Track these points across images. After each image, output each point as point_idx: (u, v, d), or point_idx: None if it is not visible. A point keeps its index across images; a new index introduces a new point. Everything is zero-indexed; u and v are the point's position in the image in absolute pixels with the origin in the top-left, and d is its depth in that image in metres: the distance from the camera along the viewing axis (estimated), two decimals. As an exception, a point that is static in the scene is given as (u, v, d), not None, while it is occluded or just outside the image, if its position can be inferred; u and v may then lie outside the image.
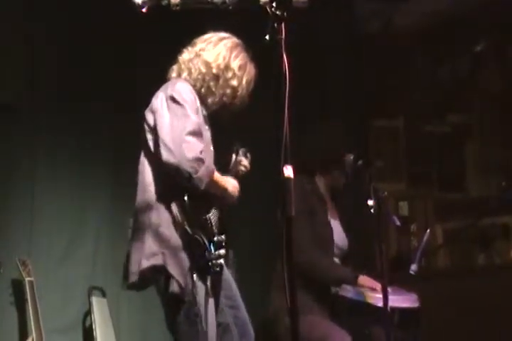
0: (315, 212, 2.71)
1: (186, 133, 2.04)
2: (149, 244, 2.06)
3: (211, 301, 2.07)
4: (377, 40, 4.41)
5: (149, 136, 2.13)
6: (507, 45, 4.32)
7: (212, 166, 2.11)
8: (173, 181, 2.05)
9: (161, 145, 2.05)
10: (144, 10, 2.16)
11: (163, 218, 2.07)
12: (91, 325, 3.21)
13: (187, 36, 2.32)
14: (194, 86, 2.19)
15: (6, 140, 3.14)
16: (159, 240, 2.05)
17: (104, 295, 3.33)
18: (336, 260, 2.77)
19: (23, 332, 2.98)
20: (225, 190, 2.15)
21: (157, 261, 2.04)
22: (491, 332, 2.90)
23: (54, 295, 3.15)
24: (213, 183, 2.10)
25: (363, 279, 2.58)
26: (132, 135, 2.25)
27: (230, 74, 2.21)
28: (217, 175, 2.13)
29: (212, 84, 2.20)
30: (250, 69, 2.26)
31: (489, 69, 4.44)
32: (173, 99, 2.09)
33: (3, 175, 3.14)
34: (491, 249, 3.97)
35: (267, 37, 1.85)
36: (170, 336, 3.30)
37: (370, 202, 2.44)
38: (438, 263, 4.08)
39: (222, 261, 2.08)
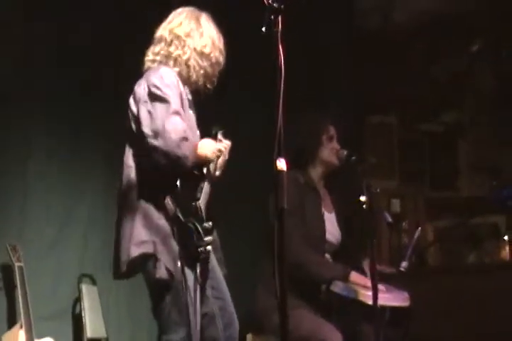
0: (308, 207, 2.70)
1: (168, 113, 2.04)
2: (139, 231, 2.05)
3: (198, 289, 2.08)
4: (373, 36, 4.41)
5: (133, 125, 2.13)
6: (501, 44, 4.34)
7: (196, 142, 2.11)
8: (161, 168, 2.04)
9: (145, 130, 2.05)
10: None
11: (152, 206, 2.07)
12: (80, 313, 3.21)
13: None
14: (197, 81, 2.21)
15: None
16: (149, 227, 2.05)
17: (94, 282, 3.33)
18: (327, 256, 2.76)
19: (12, 317, 2.97)
20: (205, 157, 2.13)
21: (147, 249, 2.05)
22: (480, 330, 2.92)
23: (44, 282, 3.14)
24: (197, 157, 2.10)
25: (355, 276, 2.58)
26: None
27: (217, 53, 2.23)
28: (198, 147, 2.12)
29: (210, 70, 2.22)
30: (220, 38, 2.27)
31: (483, 68, 4.45)
32: (155, 85, 2.10)
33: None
34: (480, 248, 4.00)
35: (264, 29, 1.86)
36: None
37: (363, 198, 2.45)
38: (429, 261, 4.10)
39: (210, 247, 2.09)
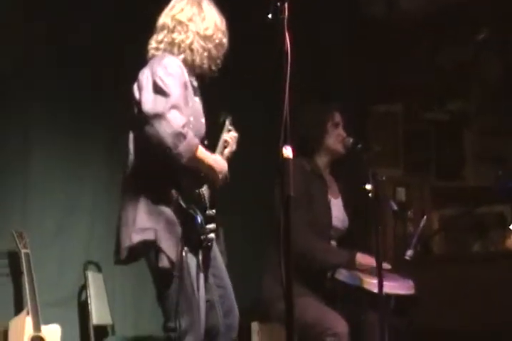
0: (315, 195, 2.70)
1: (168, 107, 2.02)
2: (141, 218, 2.05)
3: (202, 276, 2.08)
4: (378, 25, 4.38)
5: (136, 110, 2.11)
6: (507, 33, 4.30)
7: (196, 141, 2.07)
8: (158, 154, 2.03)
9: (144, 119, 2.04)
10: None
11: (155, 192, 2.06)
12: (86, 300, 3.23)
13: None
14: (201, 65, 2.19)
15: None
16: (152, 214, 2.05)
17: (99, 270, 3.34)
18: (333, 242, 2.76)
19: (19, 304, 2.99)
20: (210, 167, 2.12)
21: (149, 236, 2.04)
22: (485, 319, 2.93)
23: (50, 269, 3.16)
24: (197, 159, 2.07)
25: (361, 257, 2.58)
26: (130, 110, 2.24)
27: (220, 34, 2.22)
28: (202, 152, 2.10)
29: (214, 52, 2.22)
30: (222, 21, 2.26)
31: (489, 57, 4.42)
32: (157, 74, 2.08)
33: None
34: (486, 237, 3.99)
35: (270, 16, 1.85)
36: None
37: (368, 186, 2.44)
38: (434, 250, 4.10)
39: (213, 235, 2.09)
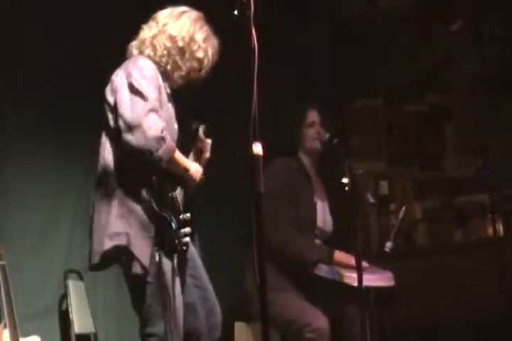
0: (300, 193, 2.72)
1: (147, 110, 2.00)
2: (113, 222, 2.03)
3: (177, 280, 2.06)
4: (356, 20, 4.38)
5: (110, 115, 2.10)
6: (484, 25, 4.32)
7: (173, 144, 2.08)
8: (136, 159, 2.02)
9: (121, 123, 2.02)
10: None
11: (127, 197, 2.04)
12: (67, 309, 3.19)
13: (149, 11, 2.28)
14: (159, 62, 2.16)
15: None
16: (124, 218, 2.03)
17: (81, 278, 3.30)
18: (318, 241, 2.76)
19: (-4, 316, 2.95)
20: (185, 170, 2.12)
21: (121, 241, 2.02)
22: (468, 308, 2.94)
23: (29, 279, 3.11)
24: (174, 162, 2.07)
25: (339, 255, 2.59)
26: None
27: (195, 47, 2.19)
28: (179, 155, 2.10)
29: (178, 58, 2.17)
30: (214, 42, 2.25)
31: (466, 49, 4.44)
32: (133, 76, 2.06)
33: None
34: (467, 227, 4.01)
35: (236, 12, 1.84)
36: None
37: (345, 180, 2.45)
38: (416, 241, 4.11)
39: (188, 239, 2.07)
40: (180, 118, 2.24)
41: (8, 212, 3.16)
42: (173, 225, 2.01)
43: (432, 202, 4.34)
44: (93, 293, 3.30)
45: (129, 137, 1.99)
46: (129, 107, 2.01)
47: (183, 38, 2.17)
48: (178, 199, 2.08)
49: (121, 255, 2.04)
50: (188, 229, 2.06)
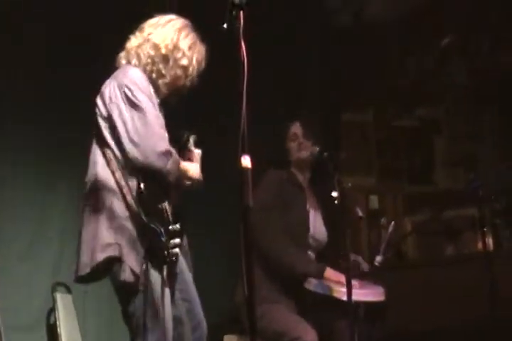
0: (292, 203, 2.72)
1: (152, 125, 2.00)
2: (103, 233, 2.01)
3: (167, 291, 2.04)
4: (346, 33, 4.41)
5: (103, 124, 2.08)
6: (473, 37, 4.37)
7: (177, 157, 2.07)
8: (128, 170, 2.01)
9: (126, 140, 2.00)
10: None
11: (117, 208, 2.03)
12: (55, 322, 3.15)
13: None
14: (144, 71, 2.15)
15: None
16: (114, 229, 2.01)
17: (69, 291, 3.27)
18: (311, 253, 2.76)
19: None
20: (189, 178, 2.12)
21: (113, 252, 2.00)
22: (458, 319, 2.93)
23: (16, 292, 3.09)
24: (180, 174, 2.07)
25: (329, 272, 2.58)
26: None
27: (179, 55, 2.17)
28: (182, 164, 2.10)
29: (161, 66, 2.16)
30: (200, 49, 2.23)
31: (455, 62, 4.48)
32: (129, 89, 2.05)
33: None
34: (458, 240, 4.01)
35: (225, 25, 1.84)
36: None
37: (334, 194, 2.45)
38: (407, 255, 4.11)
39: (177, 250, 2.05)
40: (169, 128, 2.23)
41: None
42: (162, 237, 1.99)
43: (422, 216, 4.35)
44: (82, 306, 3.27)
45: (136, 154, 1.98)
46: (130, 122, 2.00)
47: (166, 46, 2.16)
48: (168, 210, 2.06)
49: (112, 266, 2.01)
50: (177, 241, 2.05)
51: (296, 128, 2.83)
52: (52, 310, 3.20)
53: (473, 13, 4.24)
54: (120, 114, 2.03)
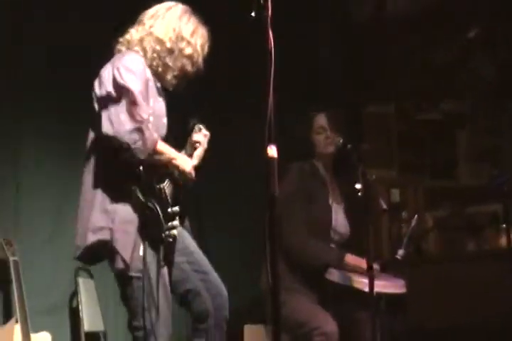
0: (315, 196, 2.72)
1: (127, 103, 2.00)
2: (96, 216, 2.02)
3: (165, 271, 2.06)
4: (368, 26, 4.38)
5: (97, 105, 2.09)
6: (498, 31, 4.30)
7: (156, 136, 2.05)
8: (116, 151, 2.00)
9: (103, 116, 2.02)
10: None
11: (113, 189, 2.03)
12: (77, 306, 3.19)
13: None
14: (151, 65, 2.16)
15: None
16: (107, 213, 2.02)
17: (91, 276, 3.31)
18: (333, 246, 2.75)
19: (8, 312, 2.96)
20: (170, 159, 2.09)
21: (104, 235, 2.02)
22: (480, 318, 2.91)
23: (40, 276, 3.12)
24: (157, 152, 2.05)
25: (350, 258, 2.58)
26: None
27: (183, 44, 2.18)
28: (162, 146, 2.08)
29: (168, 59, 2.17)
30: (202, 33, 2.23)
31: (481, 56, 4.42)
32: (119, 70, 2.06)
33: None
34: (480, 236, 3.98)
35: (253, 14, 1.84)
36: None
37: (358, 186, 2.44)
38: (428, 250, 4.09)
39: (175, 231, 2.05)
40: (176, 114, 2.21)
41: (20, 210, 3.16)
42: (160, 214, 1.99)
43: (445, 211, 4.31)
44: (103, 291, 3.30)
45: (108, 129, 1.99)
46: (109, 100, 2.02)
47: (170, 39, 2.17)
48: (167, 191, 2.06)
49: (105, 250, 2.03)
50: (176, 223, 2.05)
51: (323, 121, 2.82)
52: (74, 294, 3.24)
53: (498, 6, 4.18)
54: (105, 93, 2.04)
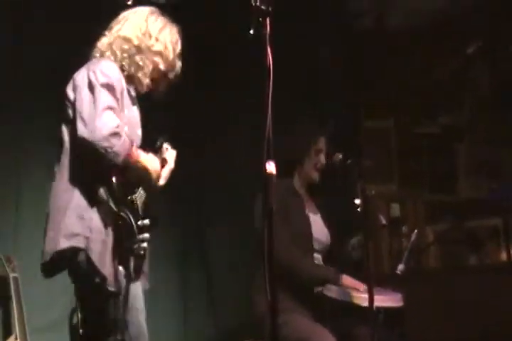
0: (291, 210, 2.72)
1: (102, 108, 1.98)
2: (71, 221, 1.98)
3: (136, 284, 2.02)
4: (367, 39, 4.41)
5: (70, 112, 2.08)
6: (497, 45, 4.33)
7: (131, 140, 2.04)
8: (95, 159, 1.98)
9: (78, 120, 2.00)
10: (129, 2, 2.21)
11: (88, 196, 1.99)
12: (77, 323, 3.17)
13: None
14: (122, 66, 2.15)
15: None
16: (83, 220, 1.98)
17: (90, 293, 3.29)
18: (318, 256, 2.77)
19: (7, 329, 2.95)
20: (144, 167, 2.08)
21: (78, 243, 1.97)
22: (479, 333, 2.90)
23: (40, 292, 3.11)
24: (132, 158, 2.03)
25: (346, 279, 2.58)
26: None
27: (151, 41, 2.17)
28: (137, 150, 2.07)
29: (138, 57, 2.16)
30: (172, 30, 2.23)
31: (480, 69, 4.44)
32: (95, 73, 2.05)
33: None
34: (481, 250, 3.97)
35: (252, 32, 1.86)
36: (163, 329, 3.27)
37: (357, 201, 2.44)
38: (429, 264, 4.08)
39: (146, 244, 2.01)
40: (145, 124, 2.20)
41: (20, 226, 3.16)
42: (133, 224, 1.95)
43: (444, 225, 4.31)
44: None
45: (85, 133, 1.96)
46: (86, 104, 2.00)
47: (137, 37, 2.16)
48: (138, 203, 2.02)
49: (77, 257, 1.97)
50: (146, 235, 2.01)
51: (323, 144, 2.84)
52: (74, 310, 3.21)
53: (496, 18, 4.21)
54: (80, 97, 2.03)
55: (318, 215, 2.85)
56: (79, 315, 3.14)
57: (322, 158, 2.82)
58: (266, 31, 1.86)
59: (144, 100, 2.24)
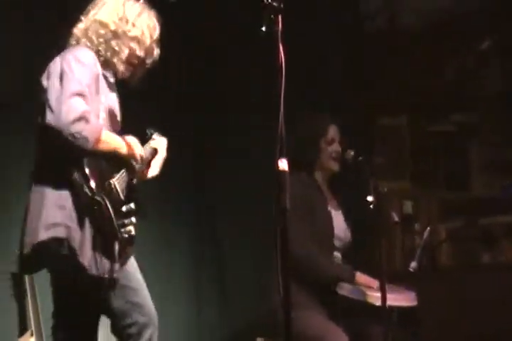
0: (314, 205, 2.71)
1: (70, 94, 1.96)
2: (51, 211, 1.93)
3: (127, 265, 2.00)
4: (380, 37, 4.39)
5: (43, 99, 2.05)
6: (509, 43, 4.30)
7: (100, 124, 2.01)
8: (64, 146, 1.94)
9: (46, 106, 1.98)
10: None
11: (60, 184, 1.96)
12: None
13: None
14: (98, 51, 2.13)
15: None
16: (63, 209, 1.94)
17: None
18: (338, 254, 2.75)
19: (23, 325, 2.97)
20: (118, 149, 2.04)
21: (60, 233, 1.93)
22: (492, 331, 2.89)
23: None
24: (103, 142, 1.99)
25: (360, 277, 2.57)
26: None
27: (128, 26, 2.15)
28: (108, 135, 2.02)
29: (114, 43, 2.14)
30: (149, 15, 2.20)
31: (492, 67, 4.42)
32: (68, 62, 2.04)
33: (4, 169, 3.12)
34: (495, 248, 3.95)
35: (264, 28, 1.86)
36: (174, 329, 3.28)
37: (370, 198, 2.43)
38: (442, 262, 4.06)
39: (131, 228, 1.96)
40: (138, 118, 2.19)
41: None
42: (109, 208, 1.90)
43: (457, 223, 4.29)
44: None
45: (51, 120, 1.93)
46: (54, 91, 1.98)
47: (113, 22, 2.15)
48: (118, 187, 1.98)
49: (59, 248, 1.93)
50: (133, 219, 1.97)
51: (335, 133, 2.81)
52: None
53: (508, 18, 4.18)
54: (51, 84, 2.02)
55: (340, 212, 2.83)
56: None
57: (336, 146, 2.78)
58: (278, 28, 1.86)
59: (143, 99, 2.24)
